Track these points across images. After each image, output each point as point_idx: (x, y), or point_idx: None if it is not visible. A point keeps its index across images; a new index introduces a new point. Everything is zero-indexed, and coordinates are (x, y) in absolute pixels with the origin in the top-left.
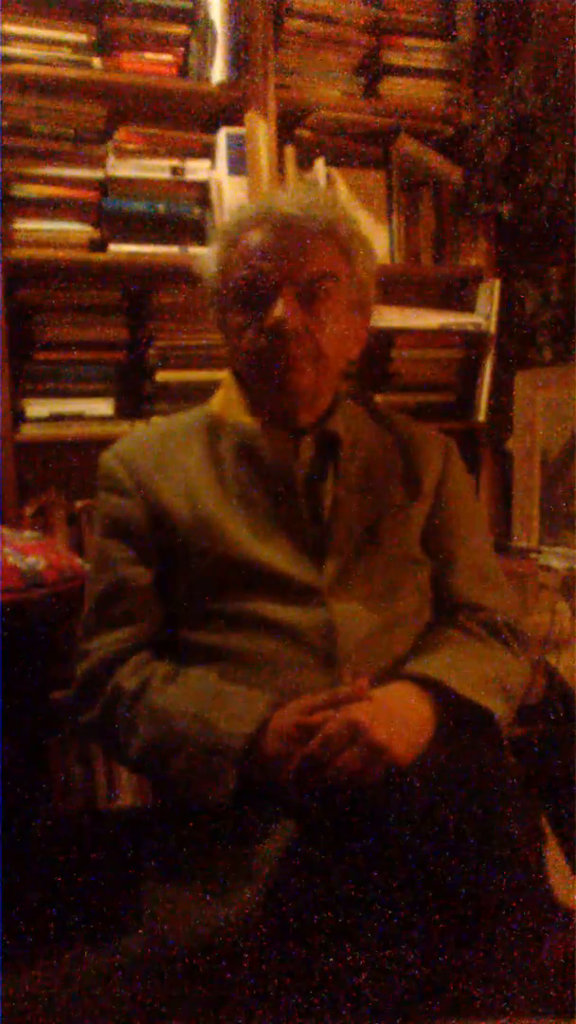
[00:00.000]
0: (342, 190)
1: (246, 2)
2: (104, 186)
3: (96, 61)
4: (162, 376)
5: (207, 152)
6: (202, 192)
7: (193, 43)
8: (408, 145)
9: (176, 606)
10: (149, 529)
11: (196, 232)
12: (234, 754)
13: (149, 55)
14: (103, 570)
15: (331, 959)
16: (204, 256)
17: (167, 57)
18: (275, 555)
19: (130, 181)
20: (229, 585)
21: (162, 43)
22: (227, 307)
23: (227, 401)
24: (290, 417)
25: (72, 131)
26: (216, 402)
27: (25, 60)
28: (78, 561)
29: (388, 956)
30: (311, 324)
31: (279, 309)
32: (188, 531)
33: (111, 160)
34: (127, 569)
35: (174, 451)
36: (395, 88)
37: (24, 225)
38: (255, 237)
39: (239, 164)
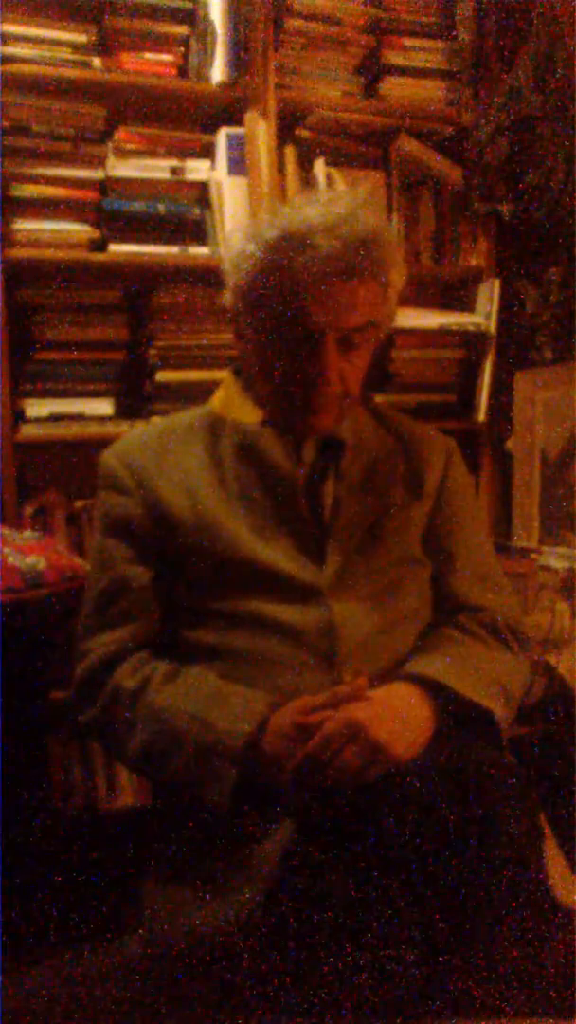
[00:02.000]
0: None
1: (246, 2)
2: (104, 186)
3: (96, 61)
4: (162, 376)
5: (207, 152)
6: (202, 192)
7: (193, 43)
8: (408, 145)
9: (176, 605)
10: (149, 528)
11: (196, 232)
12: (233, 754)
13: (149, 55)
14: (103, 569)
15: (331, 959)
16: (235, 256)
17: (167, 57)
18: (275, 555)
19: (130, 181)
20: (229, 584)
21: (162, 43)
22: (254, 319)
23: (227, 400)
24: (299, 429)
25: (72, 131)
26: (216, 401)
27: (25, 60)
28: (78, 561)
29: (388, 956)
30: (346, 369)
31: (324, 362)
32: (188, 530)
33: (111, 160)
34: (127, 568)
35: (174, 450)
36: (395, 88)
37: (24, 225)
38: (305, 268)
39: (239, 164)
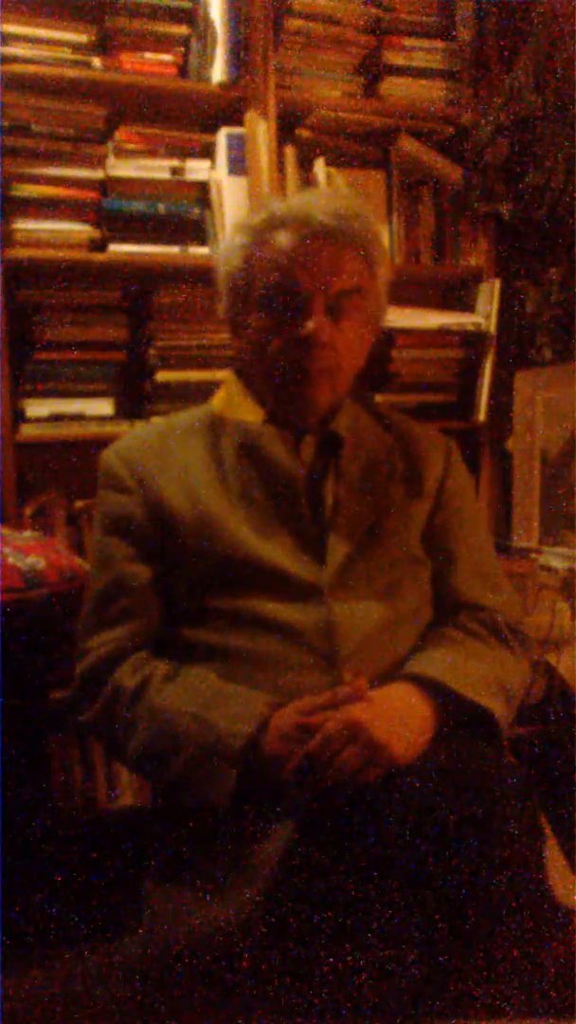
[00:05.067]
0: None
1: (246, 2)
2: (104, 186)
3: (96, 61)
4: (162, 376)
5: (207, 152)
6: (202, 192)
7: (193, 43)
8: (408, 145)
9: (176, 604)
10: (150, 527)
11: (196, 232)
12: (234, 754)
13: (149, 55)
14: (103, 568)
15: (331, 959)
16: (224, 250)
17: (167, 57)
18: (276, 553)
19: (130, 181)
20: (229, 583)
21: (162, 43)
22: (247, 307)
23: (228, 400)
24: (296, 419)
25: (72, 131)
26: (217, 401)
27: (25, 60)
28: (78, 561)
29: (388, 956)
30: (336, 337)
31: (313, 323)
32: (189, 529)
33: (111, 160)
34: (127, 567)
35: (175, 449)
36: (395, 88)
37: (24, 225)
38: (289, 241)
39: (239, 164)
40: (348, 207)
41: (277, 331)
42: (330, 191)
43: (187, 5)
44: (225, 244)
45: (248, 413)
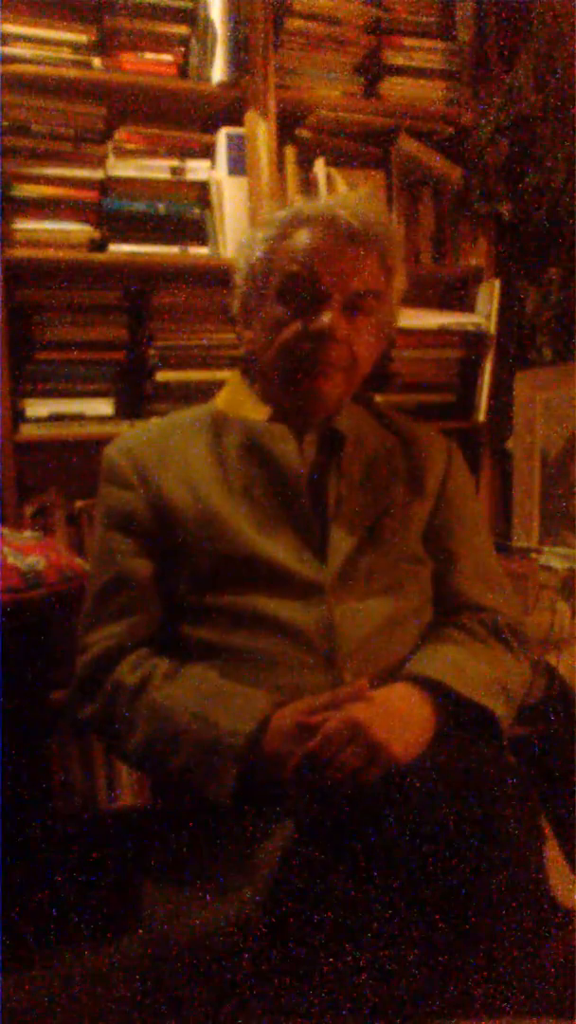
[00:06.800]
0: (342, 190)
1: (246, 2)
2: (104, 186)
3: (96, 61)
4: (162, 376)
5: (207, 152)
6: (202, 192)
7: (193, 43)
8: (408, 145)
9: (177, 601)
10: (151, 522)
11: (196, 232)
12: (234, 753)
13: (149, 55)
14: (105, 563)
15: (331, 959)
16: (246, 242)
17: (167, 57)
18: (277, 551)
19: (130, 181)
20: (230, 580)
21: (162, 43)
22: (264, 299)
23: (232, 398)
24: (301, 416)
25: (72, 131)
26: (221, 399)
27: (25, 60)
28: (78, 561)
29: (388, 956)
30: (351, 335)
31: (329, 317)
32: (190, 525)
33: (111, 160)
34: (128, 562)
35: (178, 446)
36: (395, 88)
37: (24, 225)
38: (314, 237)
39: (239, 164)
40: (374, 213)
41: (292, 323)
42: (357, 195)
43: (187, 5)
44: (247, 236)
45: (252, 411)
